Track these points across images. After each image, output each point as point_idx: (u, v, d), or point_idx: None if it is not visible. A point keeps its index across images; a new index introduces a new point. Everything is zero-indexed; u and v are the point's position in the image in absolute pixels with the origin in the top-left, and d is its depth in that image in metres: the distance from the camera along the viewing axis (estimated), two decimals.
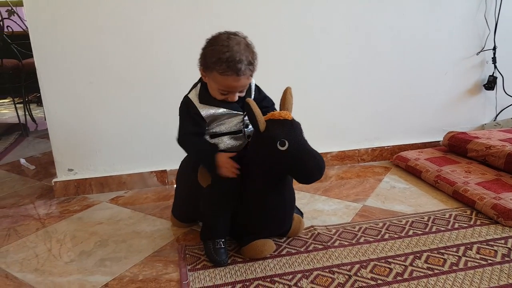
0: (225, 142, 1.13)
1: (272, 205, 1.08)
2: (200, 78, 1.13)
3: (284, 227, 1.16)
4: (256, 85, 1.17)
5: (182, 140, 1.12)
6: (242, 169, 1.08)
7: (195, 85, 1.14)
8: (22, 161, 2.15)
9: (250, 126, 1.13)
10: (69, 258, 1.17)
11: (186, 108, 1.11)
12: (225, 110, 1.10)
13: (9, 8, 2.91)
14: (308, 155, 0.99)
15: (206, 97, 1.10)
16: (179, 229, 1.31)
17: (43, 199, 1.63)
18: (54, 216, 1.47)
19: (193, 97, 1.11)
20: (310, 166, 0.98)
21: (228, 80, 1.02)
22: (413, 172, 1.72)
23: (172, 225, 1.33)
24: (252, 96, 1.15)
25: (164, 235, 1.28)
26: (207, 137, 1.14)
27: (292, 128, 1.02)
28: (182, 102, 1.14)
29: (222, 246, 1.10)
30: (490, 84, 2.00)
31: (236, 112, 1.11)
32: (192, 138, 1.11)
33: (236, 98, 1.08)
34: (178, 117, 1.14)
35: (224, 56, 1.00)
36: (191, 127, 1.10)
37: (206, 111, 1.09)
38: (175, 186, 1.34)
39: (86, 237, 1.28)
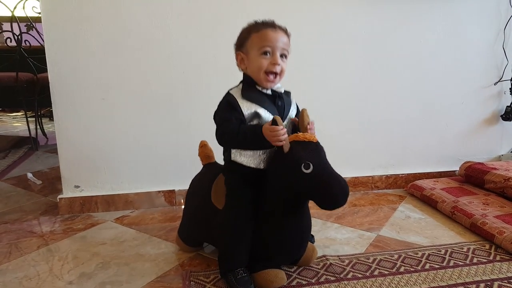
0: (263, 156, 1.07)
1: (290, 230, 1.04)
2: (240, 81, 1.10)
3: (298, 254, 1.12)
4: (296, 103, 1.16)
5: (226, 132, 1.03)
6: (258, 190, 1.04)
7: (235, 86, 1.10)
8: (29, 175, 2.13)
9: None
10: (69, 279, 1.12)
11: (226, 101, 1.05)
12: (266, 111, 1.04)
13: (29, 23, 2.96)
14: (334, 179, 0.96)
15: (249, 92, 1.05)
16: (185, 253, 1.26)
17: (47, 216, 1.60)
18: (57, 233, 1.43)
19: (236, 91, 1.06)
20: (335, 191, 0.94)
21: (267, 33, 1.02)
22: (428, 202, 1.67)
23: (177, 249, 1.29)
24: (295, 111, 1.13)
25: (169, 259, 1.23)
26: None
27: (317, 151, 0.99)
28: (222, 99, 1.08)
29: (244, 274, 1.04)
30: (508, 115, 1.96)
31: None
32: (235, 127, 1.02)
33: (279, 61, 1.03)
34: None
35: (258, 22, 1.06)
36: (234, 118, 1.03)
37: (247, 108, 1.03)
38: (183, 206, 1.29)
39: (88, 258, 1.24)
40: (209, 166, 1.26)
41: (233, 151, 1.07)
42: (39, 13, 1.58)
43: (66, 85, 1.55)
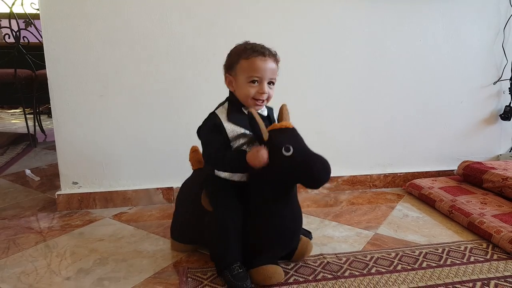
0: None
1: (281, 219, 1.05)
2: (226, 99, 1.13)
3: (292, 244, 1.12)
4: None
5: (213, 157, 1.07)
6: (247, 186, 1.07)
7: (221, 104, 1.13)
8: (27, 172, 2.13)
9: None
10: (66, 275, 1.12)
11: (212, 123, 1.08)
12: (250, 133, 1.07)
13: (27, 19, 2.95)
14: (314, 158, 0.99)
15: (235, 115, 1.08)
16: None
17: (45, 212, 1.60)
18: (55, 230, 1.43)
19: (221, 112, 1.09)
20: (318, 169, 0.98)
21: (256, 62, 1.04)
22: (426, 201, 1.67)
23: None
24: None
25: (166, 255, 1.23)
26: None
27: (294, 135, 1.04)
28: (206, 119, 1.11)
29: (240, 270, 1.05)
30: (507, 114, 1.96)
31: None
32: (222, 152, 1.06)
33: (266, 90, 1.06)
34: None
35: (248, 46, 1.07)
36: (219, 142, 1.07)
37: (232, 130, 1.06)
38: (174, 209, 1.29)
39: (85, 254, 1.24)
40: (200, 171, 1.26)
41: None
42: (38, 9, 1.58)
43: (65, 81, 1.55)
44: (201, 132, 1.12)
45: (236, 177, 1.11)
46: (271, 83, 1.09)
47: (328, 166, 0.99)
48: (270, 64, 1.06)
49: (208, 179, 1.15)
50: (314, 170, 0.98)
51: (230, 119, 1.07)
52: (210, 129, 1.08)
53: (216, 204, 1.09)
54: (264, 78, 1.06)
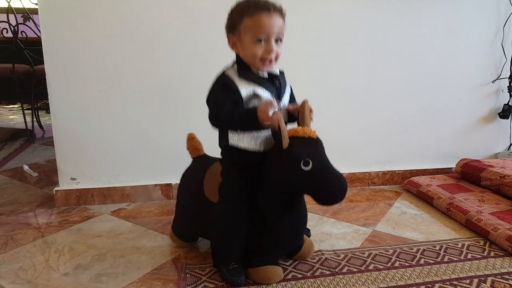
0: (261, 137, 1.03)
1: (287, 224, 1.03)
2: (233, 62, 1.05)
3: (295, 246, 1.12)
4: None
5: (222, 114, 0.99)
6: (254, 185, 1.04)
7: (229, 66, 1.05)
8: (25, 167, 2.12)
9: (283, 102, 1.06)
10: (64, 271, 1.12)
11: (223, 82, 1.00)
12: (265, 90, 1.01)
13: (25, 14, 2.94)
14: (333, 176, 0.95)
15: (245, 73, 1.00)
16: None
17: (43, 208, 1.60)
18: (53, 225, 1.43)
19: (232, 72, 1.01)
20: (334, 188, 0.94)
21: (261, 19, 0.95)
22: (424, 198, 1.67)
23: (173, 243, 1.28)
24: (288, 94, 1.10)
25: (165, 251, 1.23)
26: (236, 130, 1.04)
27: (317, 148, 0.98)
28: (215, 81, 1.03)
29: (236, 265, 1.05)
30: (505, 113, 1.96)
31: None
32: (230, 109, 0.98)
33: (274, 48, 0.98)
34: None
35: (250, 2, 0.97)
36: (231, 101, 0.98)
37: (245, 88, 0.99)
38: (176, 200, 1.28)
39: (83, 250, 1.24)
40: (199, 159, 1.24)
41: (230, 136, 1.03)
42: (36, 4, 1.57)
43: (63, 77, 1.54)
44: (210, 92, 1.03)
45: (253, 146, 1.02)
46: (278, 40, 1.00)
47: (345, 187, 0.95)
48: (276, 20, 0.97)
49: (224, 164, 1.09)
50: (331, 190, 0.94)
51: (242, 76, 1.00)
52: (221, 88, 1.00)
53: (226, 200, 1.06)
54: (271, 35, 0.97)
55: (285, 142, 0.95)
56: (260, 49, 0.98)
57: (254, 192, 1.04)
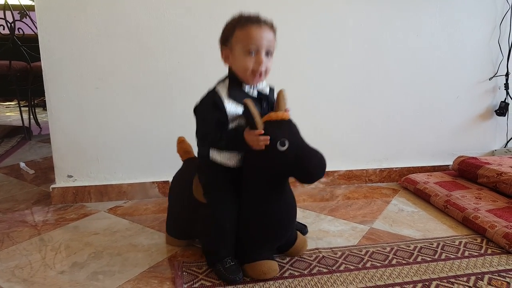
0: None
1: (275, 210, 1.04)
2: (225, 76, 1.08)
3: (288, 233, 1.11)
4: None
5: (209, 134, 1.04)
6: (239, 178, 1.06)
7: (221, 81, 1.08)
8: (22, 165, 2.11)
9: None
10: (61, 269, 1.12)
11: (211, 100, 1.03)
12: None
13: (22, 11, 2.92)
14: (310, 153, 0.98)
15: (235, 92, 1.04)
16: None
17: (39, 205, 1.59)
18: (50, 223, 1.42)
19: (222, 89, 1.04)
20: (313, 165, 0.96)
21: (251, 31, 0.99)
22: (421, 196, 1.67)
23: None
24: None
25: (162, 249, 1.23)
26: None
27: (291, 128, 1.01)
28: (204, 96, 1.06)
29: (232, 262, 1.05)
30: (502, 110, 1.97)
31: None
32: (217, 132, 1.02)
33: (264, 60, 1.01)
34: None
35: (242, 16, 1.03)
36: (217, 120, 1.02)
37: (232, 108, 1.02)
38: (168, 202, 1.29)
39: (80, 248, 1.24)
40: (189, 161, 1.25)
41: (211, 151, 1.08)
42: (33, 0, 1.56)
43: (60, 73, 1.54)
44: (198, 108, 1.07)
45: (231, 163, 1.08)
46: (268, 53, 1.03)
47: (324, 162, 0.98)
48: (266, 32, 1.01)
49: (202, 169, 1.13)
50: (309, 166, 0.96)
51: (231, 96, 1.03)
52: (208, 106, 1.03)
53: (210, 197, 1.08)
54: (261, 47, 1.01)
55: (260, 127, 0.98)
56: (250, 61, 1.01)
57: (238, 183, 1.07)
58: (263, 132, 0.98)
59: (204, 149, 1.11)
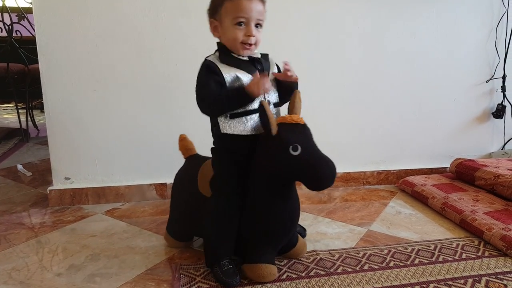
0: (251, 121, 1.04)
1: (279, 213, 1.04)
2: (216, 50, 1.08)
3: (287, 238, 1.11)
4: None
5: (210, 96, 1.00)
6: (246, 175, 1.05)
7: (211, 54, 1.08)
8: (19, 167, 2.11)
9: (272, 97, 1.08)
10: (58, 271, 1.11)
11: (205, 66, 1.03)
12: (246, 73, 1.02)
13: (20, 13, 2.92)
14: (321, 160, 0.97)
15: (226, 58, 1.03)
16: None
17: (37, 207, 1.59)
18: (47, 225, 1.42)
19: (213, 58, 1.04)
20: (323, 172, 0.96)
21: (241, 2, 0.98)
22: (419, 198, 1.67)
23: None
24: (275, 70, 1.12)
25: (159, 252, 1.22)
26: (226, 118, 1.04)
27: (305, 133, 1.00)
28: (201, 66, 1.05)
29: (230, 265, 1.05)
30: (499, 112, 1.97)
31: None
32: (216, 89, 1.00)
33: (254, 32, 1.00)
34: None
35: None
36: (216, 82, 1.01)
37: (228, 72, 1.01)
38: (170, 200, 1.28)
39: (77, 250, 1.23)
40: (191, 158, 1.25)
41: (221, 123, 1.04)
42: (30, 3, 1.56)
43: (57, 76, 1.54)
44: (196, 80, 1.05)
45: (245, 130, 1.03)
46: (258, 25, 1.02)
47: (334, 171, 0.97)
48: (256, 4, 1.00)
49: (215, 153, 1.10)
50: (320, 174, 0.96)
51: (223, 61, 1.03)
52: (204, 71, 1.03)
53: (217, 192, 1.07)
54: (251, 19, 1.00)
55: (274, 129, 0.98)
56: (240, 33, 1.00)
57: (246, 183, 1.06)
58: (277, 134, 0.98)
59: (214, 126, 1.07)
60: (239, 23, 1.00)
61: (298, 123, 1.00)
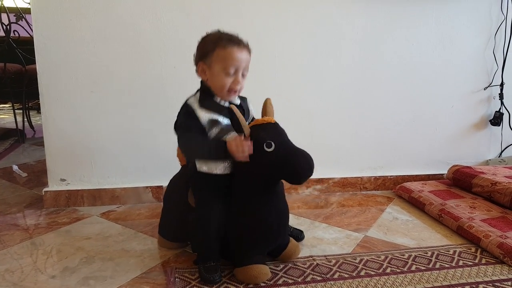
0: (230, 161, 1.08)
1: (264, 215, 1.04)
2: (197, 90, 1.12)
3: (279, 238, 1.11)
4: None
5: (192, 145, 1.05)
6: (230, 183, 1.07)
7: (192, 96, 1.13)
8: (15, 167, 2.10)
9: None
10: (52, 273, 1.10)
11: (185, 111, 1.08)
12: (223, 117, 1.07)
13: (18, 13, 2.92)
14: (297, 153, 0.99)
15: (207, 102, 1.08)
16: (170, 250, 1.25)
17: (32, 209, 1.57)
18: (42, 227, 1.41)
19: (193, 101, 1.08)
20: (300, 164, 0.98)
21: (233, 52, 1.03)
22: (416, 204, 1.67)
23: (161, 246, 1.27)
24: (251, 117, 1.18)
25: (154, 255, 1.21)
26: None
27: (276, 130, 1.03)
28: (180, 109, 1.11)
29: (213, 263, 1.06)
30: (497, 120, 1.98)
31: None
32: (198, 137, 1.05)
33: (241, 81, 1.06)
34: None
35: (223, 35, 1.06)
36: (197, 128, 1.05)
37: (204, 116, 1.05)
38: (162, 206, 1.28)
39: (72, 252, 1.22)
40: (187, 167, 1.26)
41: (197, 164, 1.09)
42: (29, 3, 1.56)
43: (54, 77, 1.53)
44: (176, 120, 1.10)
45: (219, 169, 1.08)
46: (244, 74, 1.08)
47: (311, 162, 0.99)
48: (245, 54, 1.06)
49: (193, 175, 1.13)
50: (297, 165, 0.98)
51: (202, 105, 1.06)
52: (184, 116, 1.07)
53: (198, 203, 1.09)
54: (240, 68, 1.05)
55: (246, 130, 1.01)
56: (229, 80, 1.06)
57: (229, 188, 1.07)
58: (248, 137, 1.00)
59: (191, 164, 1.12)
60: (229, 71, 1.05)
61: (269, 122, 1.04)
